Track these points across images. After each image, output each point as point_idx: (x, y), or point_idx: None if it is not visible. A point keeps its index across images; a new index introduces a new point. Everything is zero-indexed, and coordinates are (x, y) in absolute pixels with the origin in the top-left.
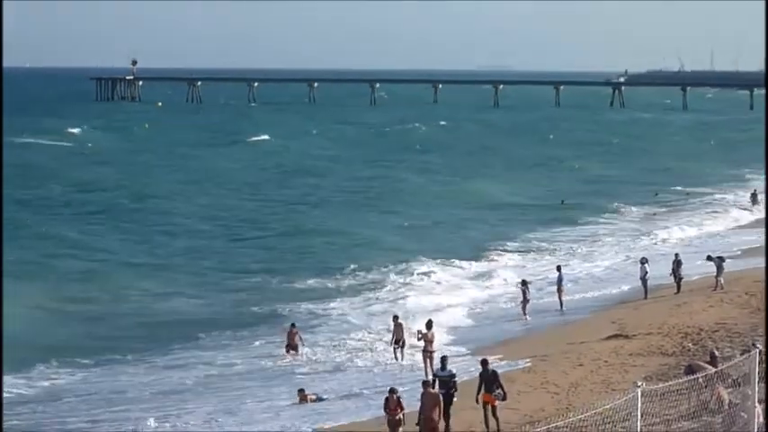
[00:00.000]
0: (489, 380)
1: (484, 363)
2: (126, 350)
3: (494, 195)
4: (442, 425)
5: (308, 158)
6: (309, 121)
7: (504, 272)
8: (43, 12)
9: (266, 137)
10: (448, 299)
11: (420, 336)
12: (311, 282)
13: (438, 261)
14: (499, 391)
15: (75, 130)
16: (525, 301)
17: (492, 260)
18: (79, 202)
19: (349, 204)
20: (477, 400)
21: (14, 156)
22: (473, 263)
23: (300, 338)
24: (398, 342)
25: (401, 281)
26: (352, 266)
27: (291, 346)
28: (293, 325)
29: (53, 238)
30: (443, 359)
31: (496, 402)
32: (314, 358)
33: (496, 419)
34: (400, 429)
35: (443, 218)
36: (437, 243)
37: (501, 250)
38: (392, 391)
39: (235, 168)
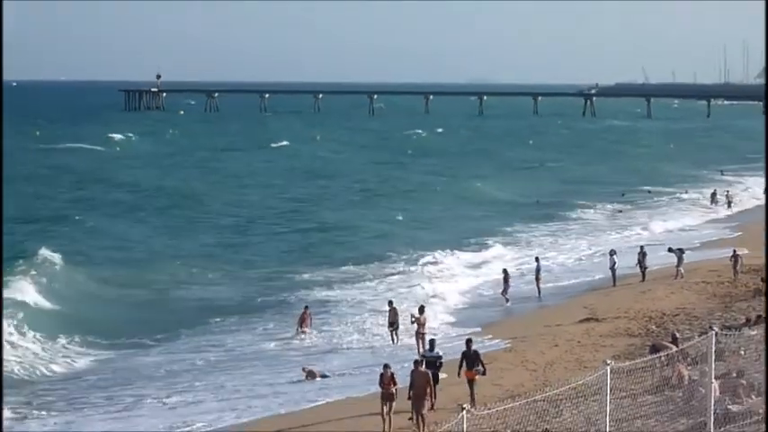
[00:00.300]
0: (471, 358)
1: (468, 342)
2: (147, 332)
3: (488, 193)
4: (429, 402)
5: (324, 161)
6: (318, 129)
7: (495, 261)
8: (74, 29)
9: (286, 142)
10: (446, 285)
11: (413, 319)
12: (327, 270)
13: (439, 252)
14: (479, 367)
15: (117, 136)
16: (506, 287)
17: (485, 251)
18: (124, 199)
19: (362, 201)
20: (458, 375)
21: (63, 159)
22: (470, 253)
23: (311, 319)
24: (393, 325)
25: (405, 269)
26: (364, 256)
27: (303, 326)
28: (306, 307)
29: (101, 231)
30: (432, 342)
31: (476, 377)
32: (320, 338)
33: (473, 394)
34: (393, 403)
35: (445, 213)
36: (440, 235)
37: (493, 242)
38: (386, 366)
39: (265, 168)
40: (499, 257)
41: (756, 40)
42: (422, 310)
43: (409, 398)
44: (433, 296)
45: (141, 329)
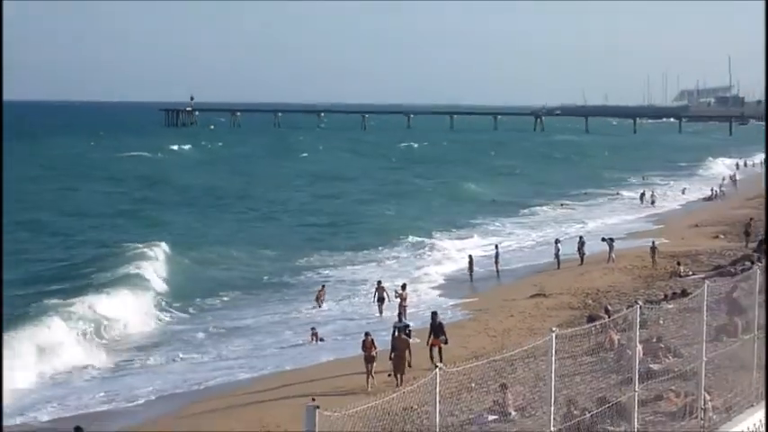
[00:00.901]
0: (437, 328)
1: (433, 315)
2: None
3: (471, 191)
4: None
5: (338, 168)
6: (322, 141)
7: (472, 248)
8: (116, 55)
9: (305, 154)
10: (432, 268)
11: (397, 294)
12: (346, 252)
13: (431, 238)
14: (443, 336)
15: (175, 147)
16: (471, 269)
17: (467, 239)
18: (185, 196)
19: (372, 199)
20: (427, 343)
21: (133, 166)
22: (454, 240)
23: (324, 295)
24: (381, 300)
25: (402, 253)
26: (370, 241)
27: (319, 300)
28: (323, 286)
29: (167, 223)
30: (400, 316)
31: (441, 345)
32: (328, 311)
33: (440, 356)
34: (374, 364)
35: (439, 208)
36: (431, 225)
37: (471, 232)
38: (367, 334)
39: (293, 172)
40: (477, 244)
41: (674, 71)
42: (404, 287)
43: (390, 359)
44: (423, 275)
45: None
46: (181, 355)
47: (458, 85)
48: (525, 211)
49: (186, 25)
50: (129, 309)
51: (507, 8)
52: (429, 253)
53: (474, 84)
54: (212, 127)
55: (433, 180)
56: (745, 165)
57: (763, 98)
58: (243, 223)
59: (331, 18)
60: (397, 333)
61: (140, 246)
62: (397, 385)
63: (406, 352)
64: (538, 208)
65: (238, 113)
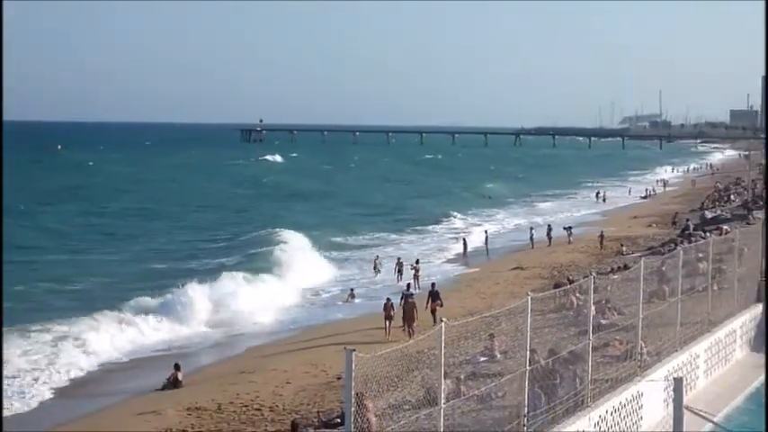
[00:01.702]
0: (434, 294)
1: (432, 285)
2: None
3: (485, 190)
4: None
5: (387, 173)
6: (358, 154)
7: (477, 231)
8: (200, 83)
9: (356, 157)
10: (447, 244)
11: (412, 267)
12: (395, 233)
13: (454, 224)
14: (439, 300)
15: (269, 157)
16: (465, 249)
17: (479, 225)
18: (280, 193)
19: (416, 195)
20: (425, 307)
21: (240, 171)
22: (473, 226)
23: (380, 265)
24: (400, 272)
25: (431, 233)
26: (406, 223)
27: (376, 269)
28: (377, 256)
29: (268, 214)
30: (408, 285)
31: (437, 307)
32: (376, 276)
33: (436, 317)
34: (392, 321)
35: (461, 203)
36: (460, 212)
37: (474, 217)
38: (388, 299)
39: (354, 176)
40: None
41: (619, 101)
42: (417, 261)
43: (403, 318)
44: (439, 250)
45: None
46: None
47: (455, 109)
48: (509, 203)
49: (239, 57)
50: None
51: (500, 46)
52: (449, 234)
53: (469, 108)
54: (277, 142)
55: (461, 182)
56: (673, 171)
57: (684, 122)
58: (330, 212)
59: (342, 58)
60: (404, 298)
61: (272, 230)
62: (409, 336)
63: (414, 311)
64: (519, 201)
65: (294, 132)
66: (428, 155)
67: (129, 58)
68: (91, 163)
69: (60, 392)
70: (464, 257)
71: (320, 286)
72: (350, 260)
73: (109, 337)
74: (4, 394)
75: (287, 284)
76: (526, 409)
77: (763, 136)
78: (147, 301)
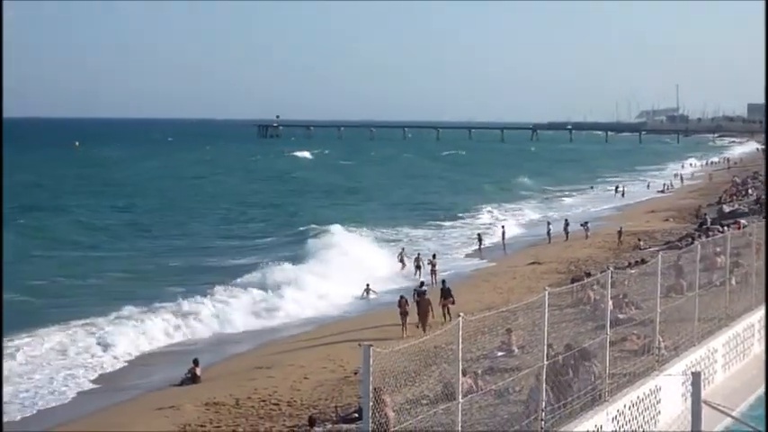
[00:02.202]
0: (446, 292)
1: (443, 282)
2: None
3: (514, 185)
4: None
5: (410, 169)
6: (374, 149)
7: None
8: (219, 79)
9: (373, 153)
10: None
11: (429, 261)
12: (419, 228)
13: (480, 219)
14: (451, 298)
15: (298, 153)
16: (480, 243)
17: (502, 219)
18: (313, 188)
19: (444, 189)
20: (438, 304)
21: (268, 166)
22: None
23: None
24: (418, 267)
25: (456, 227)
26: (440, 218)
27: (402, 261)
28: (403, 249)
29: (308, 209)
30: (422, 283)
31: (449, 305)
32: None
33: (449, 314)
34: (408, 317)
35: (486, 196)
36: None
37: (504, 212)
38: (402, 297)
39: (381, 170)
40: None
41: (636, 96)
42: (434, 256)
43: (418, 314)
44: (461, 244)
45: None
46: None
47: (471, 104)
48: (526, 196)
49: (265, 57)
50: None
51: (510, 43)
52: (472, 227)
53: (483, 103)
54: (293, 138)
55: (487, 177)
56: (690, 165)
57: (702, 116)
58: (366, 207)
59: (364, 57)
60: (419, 295)
61: (318, 226)
62: (423, 332)
63: (428, 308)
64: (538, 194)
65: (311, 128)
66: (448, 150)
67: (136, 56)
68: (111, 158)
69: (81, 387)
70: (479, 252)
71: (375, 280)
72: (386, 254)
73: (137, 332)
74: (4, 393)
75: (340, 280)
76: (543, 403)
77: None
78: (186, 295)
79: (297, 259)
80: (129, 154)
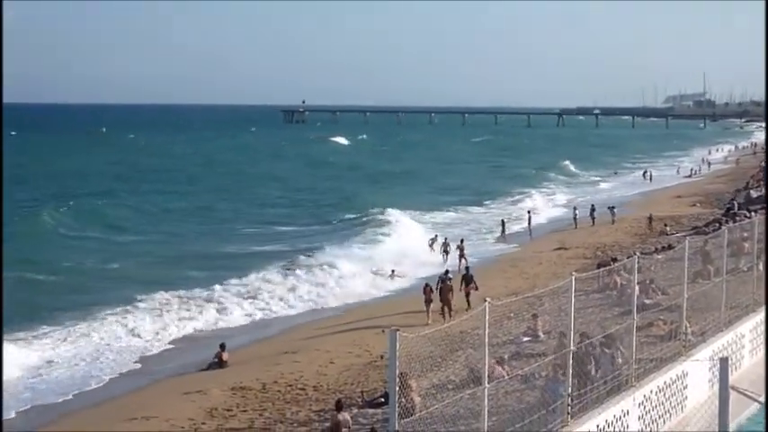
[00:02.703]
0: (468, 278)
1: (467, 268)
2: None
3: (557, 169)
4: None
5: (449, 155)
6: (401, 134)
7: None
8: (246, 64)
9: (400, 138)
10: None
11: (457, 246)
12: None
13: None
14: (473, 284)
15: (334, 139)
16: (503, 231)
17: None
18: (359, 174)
19: (489, 173)
20: (460, 290)
21: (306, 152)
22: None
23: (434, 242)
24: (446, 252)
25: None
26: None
27: (432, 246)
28: (436, 235)
29: (358, 194)
30: (447, 271)
31: (471, 291)
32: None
33: (469, 301)
34: (432, 303)
35: (535, 182)
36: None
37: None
38: (426, 284)
39: (424, 156)
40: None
41: (662, 82)
42: (462, 240)
43: (441, 300)
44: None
45: None
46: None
47: (497, 91)
48: (550, 180)
49: (293, 42)
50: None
51: (540, 29)
52: (515, 211)
53: (509, 89)
54: (319, 124)
55: (526, 161)
56: (717, 151)
57: (729, 101)
58: (409, 190)
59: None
60: (442, 282)
61: (375, 210)
62: (445, 318)
63: (450, 295)
64: (567, 177)
65: (337, 113)
66: (480, 137)
67: (161, 42)
68: (136, 141)
69: (114, 371)
70: (503, 238)
71: (418, 265)
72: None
73: (172, 317)
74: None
75: (383, 264)
76: (570, 388)
77: None
78: (235, 281)
79: (351, 244)
80: (162, 139)
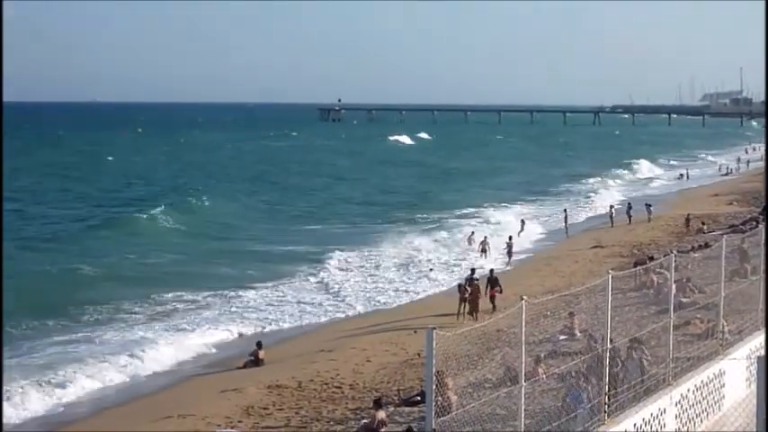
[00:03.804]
0: (493, 281)
1: (491, 271)
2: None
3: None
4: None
5: (514, 151)
6: (439, 130)
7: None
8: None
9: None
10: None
11: (506, 243)
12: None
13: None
14: (498, 287)
15: (398, 137)
16: (521, 228)
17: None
18: (437, 172)
19: (554, 171)
20: (485, 293)
21: (376, 151)
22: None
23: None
24: (483, 251)
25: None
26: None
27: (470, 241)
28: (472, 232)
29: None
30: (473, 270)
31: (496, 293)
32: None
33: (494, 304)
34: (465, 303)
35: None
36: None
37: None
38: (460, 284)
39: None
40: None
41: (699, 79)
42: (510, 237)
43: (468, 301)
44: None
45: None
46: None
47: (530, 90)
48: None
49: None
50: None
51: (570, 24)
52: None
53: (541, 87)
54: (355, 122)
55: (586, 159)
56: (755, 150)
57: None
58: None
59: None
60: (469, 284)
61: (478, 208)
62: (475, 319)
63: (478, 295)
64: (611, 179)
65: (373, 112)
66: (527, 134)
67: (199, 42)
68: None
69: (149, 366)
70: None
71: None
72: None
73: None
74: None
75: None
76: (607, 387)
77: None
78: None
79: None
80: (231, 136)
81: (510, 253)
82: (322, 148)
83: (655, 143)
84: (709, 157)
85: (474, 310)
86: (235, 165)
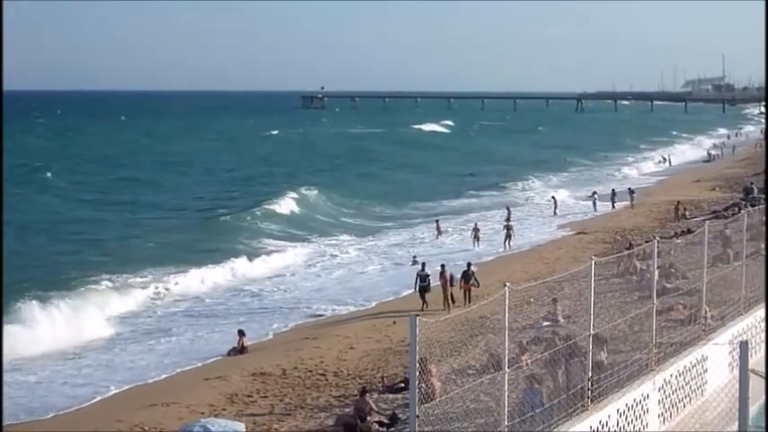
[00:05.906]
0: (467, 275)
1: (468, 265)
2: None
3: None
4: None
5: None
6: (433, 117)
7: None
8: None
9: (444, 126)
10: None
11: (505, 226)
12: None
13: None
14: (473, 281)
15: (422, 126)
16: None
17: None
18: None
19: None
20: (459, 287)
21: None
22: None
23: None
24: (476, 237)
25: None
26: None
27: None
28: (437, 221)
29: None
30: (443, 266)
31: (471, 288)
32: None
33: (470, 298)
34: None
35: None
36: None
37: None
38: (441, 272)
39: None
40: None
41: (681, 65)
42: (510, 224)
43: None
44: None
45: None
46: None
47: (515, 76)
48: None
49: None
50: None
51: (559, 20)
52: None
53: (526, 74)
54: (338, 110)
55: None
56: (737, 135)
57: (747, 84)
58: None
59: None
60: (440, 274)
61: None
62: (448, 309)
63: (446, 285)
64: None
65: (357, 99)
66: (525, 121)
67: (178, 29)
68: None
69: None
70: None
71: None
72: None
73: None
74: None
75: None
76: (590, 372)
77: None
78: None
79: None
80: (250, 125)
81: (509, 236)
82: (363, 137)
83: (638, 127)
84: (691, 143)
85: (446, 299)
86: (312, 155)
